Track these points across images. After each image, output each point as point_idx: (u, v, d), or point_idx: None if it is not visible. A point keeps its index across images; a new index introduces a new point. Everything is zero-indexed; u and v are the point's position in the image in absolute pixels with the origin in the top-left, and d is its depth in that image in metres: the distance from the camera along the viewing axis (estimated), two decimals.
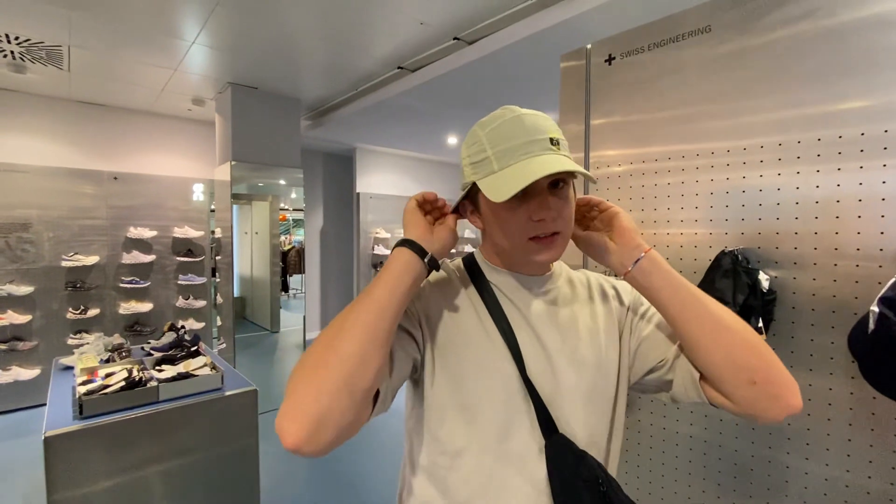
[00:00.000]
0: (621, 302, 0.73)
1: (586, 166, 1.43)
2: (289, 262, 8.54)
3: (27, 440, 3.24)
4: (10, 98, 3.81)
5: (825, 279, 1.00)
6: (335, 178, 6.44)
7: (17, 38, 2.81)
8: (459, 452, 0.62)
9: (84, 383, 1.85)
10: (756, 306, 0.96)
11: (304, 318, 5.10)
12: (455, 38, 2.73)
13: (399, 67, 3.21)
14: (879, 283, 0.92)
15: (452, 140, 5.28)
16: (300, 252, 10.03)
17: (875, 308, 0.82)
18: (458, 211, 0.70)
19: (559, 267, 0.74)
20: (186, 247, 4.53)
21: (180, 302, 4.48)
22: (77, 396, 1.71)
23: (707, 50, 1.16)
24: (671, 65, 1.23)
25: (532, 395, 0.62)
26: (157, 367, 2.10)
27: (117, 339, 2.53)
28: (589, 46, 1.41)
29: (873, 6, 0.94)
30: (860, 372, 0.89)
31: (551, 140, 0.59)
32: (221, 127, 3.94)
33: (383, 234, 6.22)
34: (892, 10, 0.92)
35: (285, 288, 7.69)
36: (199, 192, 4.64)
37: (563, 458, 0.61)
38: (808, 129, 1.02)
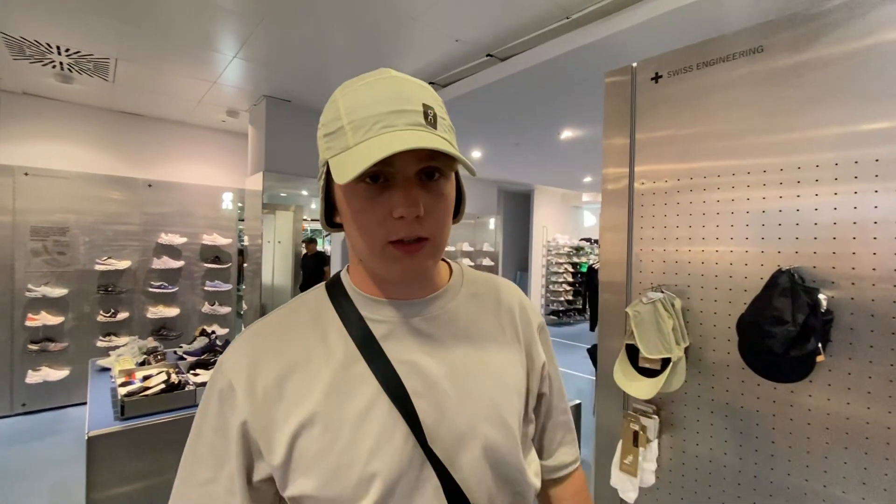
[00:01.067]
0: (529, 341, 0.61)
1: (631, 181, 1.44)
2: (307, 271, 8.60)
3: (55, 440, 3.30)
4: (54, 106, 3.97)
5: (885, 300, 0.98)
6: None
7: (67, 50, 2.95)
8: None
9: (123, 384, 1.89)
10: (816, 326, 0.94)
11: None
12: (488, 55, 2.78)
13: (431, 83, 3.27)
14: None
15: (476, 153, 5.33)
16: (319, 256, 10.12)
17: None
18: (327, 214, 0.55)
19: (457, 278, 0.60)
20: (214, 254, 4.63)
21: (206, 308, 4.56)
22: (118, 398, 1.75)
23: (759, 68, 1.17)
24: (721, 82, 1.24)
25: (434, 465, 0.48)
26: (192, 371, 2.14)
27: (151, 342, 2.58)
28: (635, 65, 1.42)
29: None
30: None
31: (426, 114, 0.46)
32: (254, 138, 4.05)
33: None
34: None
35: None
36: (228, 201, 4.75)
37: None
38: (866, 147, 1.02)
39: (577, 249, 9.08)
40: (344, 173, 0.43)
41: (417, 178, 0.47)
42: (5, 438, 3.30)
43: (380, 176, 0.46)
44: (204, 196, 4.60)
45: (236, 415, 0.48)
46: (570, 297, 8.89)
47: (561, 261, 8.72)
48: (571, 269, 8.85)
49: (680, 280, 1.32)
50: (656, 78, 1.38)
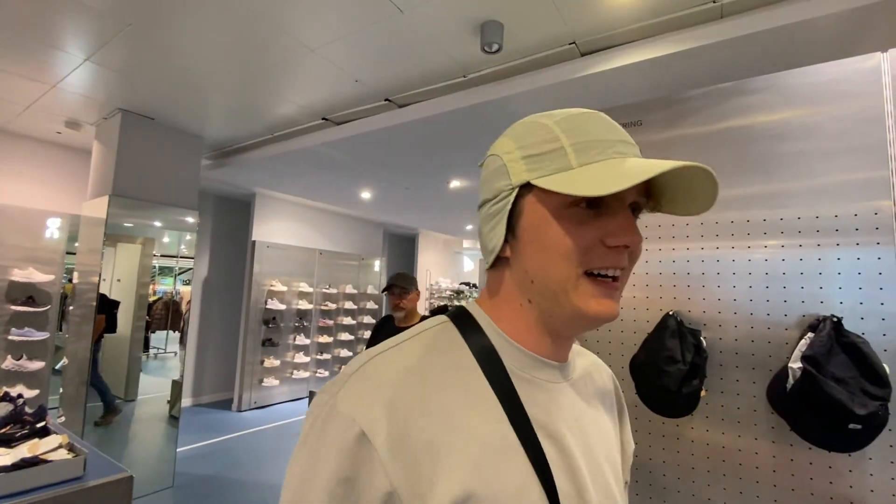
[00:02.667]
0: (623, 426, 0.59)
1: None
2: (153, 316, 7.40)
3: None
4: None
5: (744, 339, 1.16)
6: (227, 223, 5.92)
7: None
8: None
9: None
10: (701, 364, 1.06)
11: (176, 381, 4.39)
12: (386, 100, 2.81)
13: (323, 118, 3.17)
14: (786, 343, 1.09)
15: (366, 195, 5.27)
16: (168, 304, 8.77)
17: (796, 364, 0.96)
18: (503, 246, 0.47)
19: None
20: (27, 293, 3.67)
21: (8, 363, 3.54)
22: None
23: (639, 139, 1.36)
24: None
25: None
26: None
27: None
28: None
29: (763, 117, 1.19)
30: (787, 425, 1.02)
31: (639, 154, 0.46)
32: (101, 156, 3.42)
33: (279, 287, 5.77)
34: (778, 122, 1.18)
35: (146, 346, 6.61)
36: (54, 229, 3.87)
37: None
38: (721, 211, 1.23)
39: (458, 293, 9.41)
40: (584, 187, 0.40)
41: (631, 209, 0.45)
42: None
43: (599, 203, 0.43)
44: (20, 221, 3.68)
45: (378, 480, 0.37)
46: None
47: (443, 303, 8.92)
48: None
49: None
50: None
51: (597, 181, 0.40)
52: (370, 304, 7.19)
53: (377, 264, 7.48)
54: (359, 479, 0.37)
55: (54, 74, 2.71)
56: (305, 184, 4.86)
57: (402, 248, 9.07)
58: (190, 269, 6.05)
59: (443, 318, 0.50)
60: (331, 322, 6.52)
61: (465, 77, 2.49)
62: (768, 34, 1.79)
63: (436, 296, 8.79)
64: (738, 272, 1.19)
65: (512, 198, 0.45)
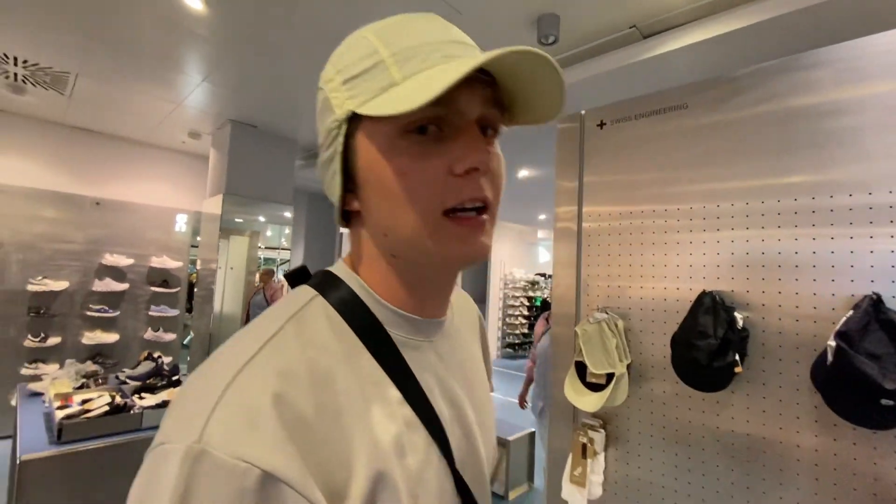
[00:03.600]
0: (485, 349, 0.60)
1: (579, 218, 1.60)
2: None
3: None
4: (1, 118, 3.79)
5: (788, 319, 1.15)
6: (318, 216, 6.52)
7: (25, 62, 2.88)
8: None
9: (61, 408, 1.78)
10: (733, 340, 1.09)
11: None
12: None
13: None
14: (833, 322, 1.07)
15: None
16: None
17: (832, 342, 0.96)
18: (341, 209, 0.42)
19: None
20: (163, 277, 4.44)
21: (149, 334, 4.32)
22: (55, 421, 1.65)
23: (685, 122, 1.38)
24: (655, 133, 1.43)
25: (461, 492, 0.42)
26: (137, 395, 2.04)
27: (90, 366, 2.44)
28: (583, 112, 1.61)
29: (815, 97, 1.16)
30: (823, 401, 1.02)
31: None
32: (216, 161, 4.01)
33: None
34: (828, 101, 1.14)
35: None
36: (181, 223, 4.61)
37: None
38: (771, 197, 1.21)
39: (533, 283, 9.37)
40: (403, 103, 0.32)
41: (480, 128, 0.38)
42: None
43: (431, 125, 0.36)
44: (156, 217, 4.45)
45: None
46: (526, 331, 9.08)
47: (517, 294, 8.96)
48: (527, 303, 9.10)
49: (622, 303, 1.46)
50: (601, 125, 1.56)
51: (416, 93, 0.32)
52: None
53: None
54: None
55: (179, 94, 3.27)
56: None
57: None
58: (289, 260, 6.76)
59: (310, 292, 0.41)
60: None
61: None
62: (826, 6, 1.65)
63: (509, 286, 8.85)
64: (784, 251, 1.17)
65: (342, 137, 0.38)
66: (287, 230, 6.36)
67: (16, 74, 3.06)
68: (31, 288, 3.73)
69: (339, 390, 0.35)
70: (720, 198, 1.29)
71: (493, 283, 8.58)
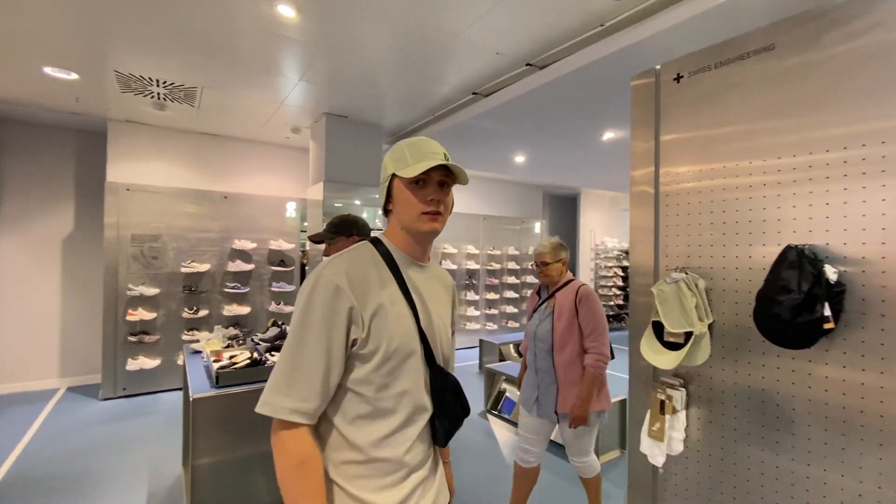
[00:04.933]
0: (453, 306, 1.15)
1: (656, 181, 1.57)
2: None
3: (150, 419, 3.79)
4: (149, 131, 4.59)
5: (893, 275, 1.06)
6: None
7: (164, 82, 3.45)
8: (379, 368, 0.89)
9: (215, 361, 2.22)
10: (820, 295, 1.04)
11: None
12: (527, 65, 2.96)
13: (473, 93, 3.49)
14: None
15: (520, 158, 5.48)
16: None
17: None
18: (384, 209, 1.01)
19: (434, 261, 1.10)
20: (279, 258, 5.08)
21: (272, 307, 5.00)
22: (213, 371, 2.07)
23: (771, 65, 1.28)
24: (737, 81, 1.35)
25: (422, 338, 0.94)
26: (269, 353, 2.45)
27: (233, 331, 2.96)
28: (658, 67, 1.56)
29: None
30: None
31: (445, 156, 0.94)
32: (315, 151, 4.45)
33: (450, 250, 6.51)
34: None
35: None
36: (291, 210, 5.20)
37: (438, 378, 0.97)
38: (873, 144, 1.10)
39: (627, 253, 8.91)
40: (410, 172, 0.90)
41: (438, 184, 0.94)
42: (111, 417, 3.83)
43: (420, 181, 0.93)
44: (270, 206, 5.08)
45: (345, 303, 0.86)
46: (621, 302, 8.73)
47: (610, 265, 8.60)
48: (621, 273, 8.70)
49: (704, 262, 1.43)
50: (678, 78, 1.50)
51: (412, 171, 0.90)
52: (533, 265, 7.47)
53: (537, 226, 7.66)
54: (338, 307, 0.85)
55: (280, 94, 3.67)
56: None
57: (563, 209, 8.99)
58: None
59: (366, 243, 0.99)
60: (496, 281, 7.05)
61: (602, 26, 2.47)
62: None
63: (601, 256, 8.52)
64: (890, 200, 1.07)
65: (388, 181, 0.98)
66: (380, 212, 6.76)
67: (159, 94, 3.69)
68: (183, 270, 4.54)
69: (371, 277, 0.92)
70: (814, 147, 1.19)
71: (583, 254, 8.33)
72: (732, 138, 1.36)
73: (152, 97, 3.77)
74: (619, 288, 8.71)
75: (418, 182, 0.93)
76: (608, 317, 8.54)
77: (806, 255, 1.10)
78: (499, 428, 3.77)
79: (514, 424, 3.78)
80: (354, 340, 0.87)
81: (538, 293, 2.40)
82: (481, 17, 2.42)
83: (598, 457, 3.11)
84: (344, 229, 2.08)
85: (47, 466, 2.93)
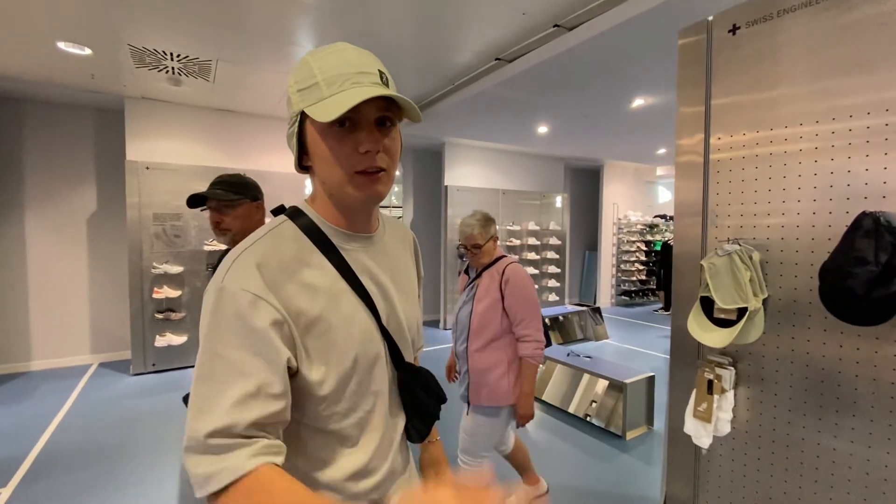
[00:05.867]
0: (417, 263, 0.91)
1: (706, 149, 1.44)
2: None
3: (178, 395, 3.88)
4: (166, 108, 4.54)
5: None
6: (423, 172, 6.74)
7: (178, 56, 3.38)
8: (336, 395, 0.66)
9: None
10: None
11: None
12: (555, 26, 2.79)
13: (497, 59, 3.33)
14: None
15: (543, 129, 5.29)
16: None
17: None
18: (300, 163, 0.69)
19: (382, 221, 0.80)
20: None
21: None
22: None
23: (844, 15, 1.13)
24: (803, 32, 1.21)
25: (385, 337, 0.71)
26: None
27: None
28: (711, 18, 1.41)
29: None
30: None
31: (381, 76, 0.63)
32: None
33: None
34: None
35: None
36: (310, 187, 5.16)
37: (408, 378, 0.76)
38: None
39: (651, 227, 8.69)
40: (325, 114, 0.58)
41: (376, 123, 0.63)
42: (142, 391, 3.94)
43: (346, 121, 0.61)
44: (288, 183, 5.04)
45: (267, 316, 0.58)
46: (643, 277, 8.56)
47: (633, 239, 8.40)
48: (644, 248, 8.50)
49: (758, 233, 1.32)
50: (734, 30, 1.36)
51: (330, 109, 0.58)
52: (553, 240, 7.34)
53: (559, 201, 7.48)
54: (254, 321, 0.57)
55: (293, 66, 3.56)
56: (485, 127, 5.17)
57: (586, 182, 8.75)
58: (400, 217, 7.16)
59: (283, 217, 0.69)
60: (516, 257, 6.96)
61: None
62: None
63: (624, 231, 8.32)
64: None
65: (297, 125, 0.65)
66: (397, 188, 6.71)
67: (173, 69, 3.62)
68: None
69: (299, 270, 0.63)
70: (893, 105, 1.06)
71: (606, 228, 8.14)
72: (797, 98, 1.23)
73: (167, 72, 3.70)
74: (643, 263, 8.53)
75: (343, 123, 0.61)
76: (629, 292, 8.40)
77: (883, 224, 0.99)
78: None
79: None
80: (290, 368, 0.61)
81: (466, 272, 2.15)
82: None
83: (625, 434, 3.07)
84: (247, 190, 1.64)
85: (84, 439, 3.03)
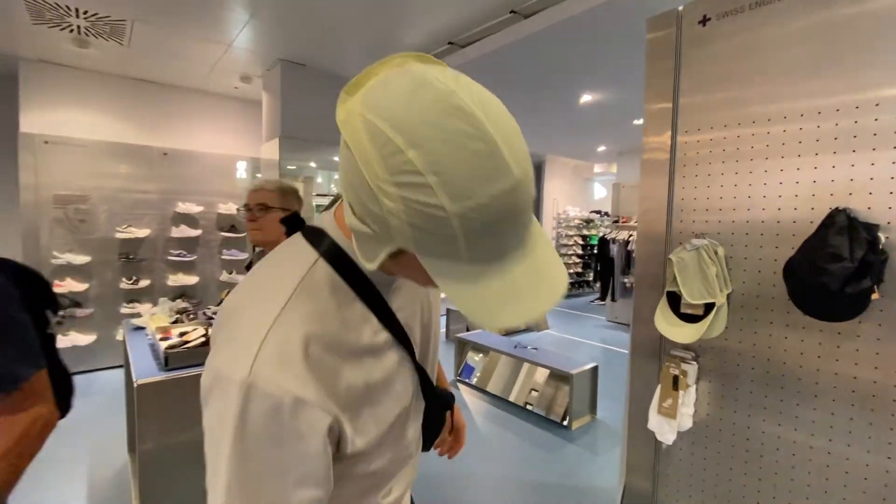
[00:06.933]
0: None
1: (674, 131, 1.42)
2: None
3: (88, 401, 3.41)
4: (71, 74, 3.94)
5: None
6: None
7: (85, 12, 2.90)
8: (374, 450, 0.53)
9: (163, 339, 1.93)
10: (875, 262, 0.95)
11: None
12: (512, 11, 2.71)
13: (449, 43, 3.20)
14: None
15: None
16: None
17: None
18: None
19: None
20: (230, 223, 4.65)
21: (223, 276, 4.61)
22: (161, 351, 1.79)
23: (819, 12, 1.13)
24: (776, 29, 1.20)
25: (419, 370, 0.59)
26: None
27: (181, 303, 2.63)
28: (681, 8, 1.38)
29: None
30: None
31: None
32: (269, 104, 4.00)
33: None
34: None
35: None
36: (242, 170, 4.74)
37: (433, 404, 0.65)
38: None
39: (588, 222, 9.04)
40: (492, 316, 0.38)
41: None
42: None
43: None
44: (218, 165, 4.59)
45: (320, 422, 0.44)
46: (580, 270, 8.90)
47: (571, 233, 8.70)
48: (581, 242, 8.84)
49: (723, 228, 1.32)
50: (704, 21, 1.34)
51: (486, 308, 0.38)
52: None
53: None
54: (300, 425, 0.42)
55: (228, 34, 3.21)
56: None
57: None
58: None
59: (308, 250, 0.50)
60: None
61: None
62: None
63: (563, 225, 8.58)
64: None
65: (386, 252, 0.40)
66: (336, 175, 6.39)
67: (79, 27, 3.11)
68: (118, 236, 4.04)
69: (347, 337, 0.49)
70: (862, 105, 1.07)
71: (546, 222, 8.35)
72: (766, 96, 1.22)
73: (71, 30, 3.18)
74: (579, 256, 8.87)
75: None
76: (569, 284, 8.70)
77: (856, 220, 1.00)
78: (468, 395, 3.72)
79: (480, 390, 3.75)
80: (336, 452, 0.49)
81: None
82: None
83: (570, 422, 3.12)
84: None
85: None
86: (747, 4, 1.25)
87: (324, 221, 0.53)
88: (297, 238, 0.53)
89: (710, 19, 1.33)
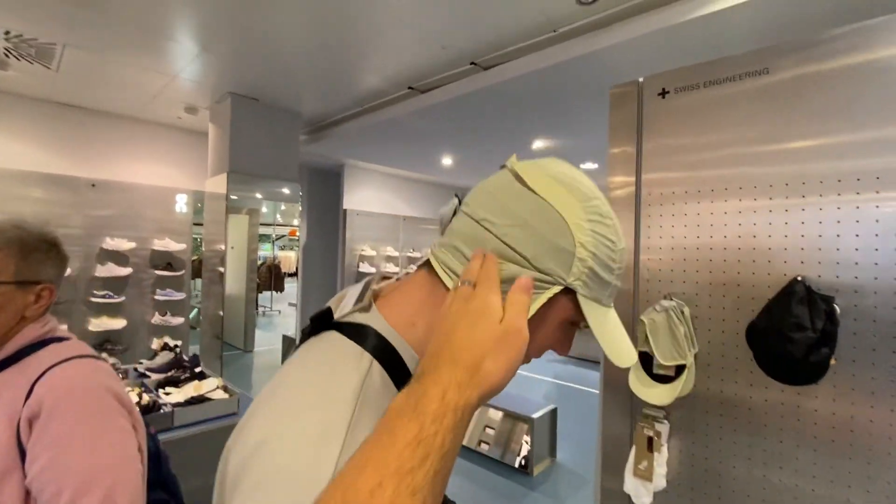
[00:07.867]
0: None
1: (638, 189, 1.48)
2: (259, 279, 8.24)
3: None
4: None
5: (886, 306, 1.06)
6: (320, 193, 6.33)
7: (7, 33, 2.64)
8: None
9: None
10: (833, 332, 1.01)
11: (286, 336, 4.91)
12: (472, 63, 2.79)
13: (409, 88, 3.23)
14: None
15: (447, 161, 5.33)
16: (271, 268, 9.68)
17: None
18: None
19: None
20: (166, 260, 4.30)
21: (156, 318, 4.22)
22: None
23: (764, 85, 1.25)
24: (728, 99, 1.30)
25: None
26: (162, 390, 1.96)
27: (107, 359, 2.34)
28: (641, 80, 1.47)
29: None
30: None
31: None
32: (217, 137, 3.81)
33: (369, 252, 6.14)
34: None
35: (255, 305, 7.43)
36: (182, 204, 4.44)
37: None
38: (867, 160, 1.10)
39: None
40: (621, 353, 0.48)
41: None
42: None
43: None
44: (155, 198, 4.27)
45: None
46: None
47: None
48: None
49: (688, 288, 1.37)
50: (663, 94, 1.43)
51: (617, 349, 0.48)
52: None
53: None
54: None
55: (174, 66, 3.04)
56: (391, 153, 5.03)
57: None
58: (283, 235, 6.58)
59: (366, 359, 0.45)
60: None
61: (554, 32, 2.38)
62: None
63: None
64: (881, 233, 1.08)
65: (548, 294, 0.45)
66: (283, 206, 6.18)
67: (1, 48, 2.82)
68: None
69: None
70: (804, 162, 1.17)
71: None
72: (722, 149, 1.31)
73: None
74: None
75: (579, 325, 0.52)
76: None
77: (813, 291, 1.07)
78: None
79: None
80: None
81: None
82: (422, 4, 2.18)
83: (532, 468, 3.07)
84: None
85: None
86: (701, 83, 1.35)
87: (360, 317, 0.49)
88: (333, 336, 0.47)
89: (668, 92, 1.42)
